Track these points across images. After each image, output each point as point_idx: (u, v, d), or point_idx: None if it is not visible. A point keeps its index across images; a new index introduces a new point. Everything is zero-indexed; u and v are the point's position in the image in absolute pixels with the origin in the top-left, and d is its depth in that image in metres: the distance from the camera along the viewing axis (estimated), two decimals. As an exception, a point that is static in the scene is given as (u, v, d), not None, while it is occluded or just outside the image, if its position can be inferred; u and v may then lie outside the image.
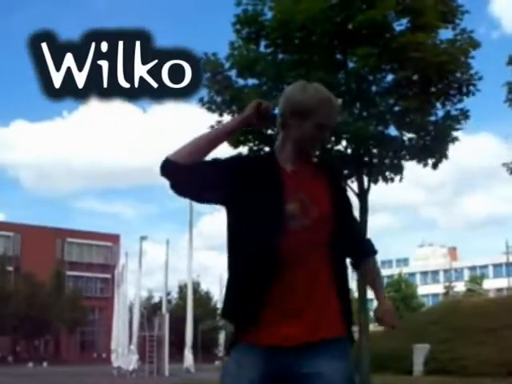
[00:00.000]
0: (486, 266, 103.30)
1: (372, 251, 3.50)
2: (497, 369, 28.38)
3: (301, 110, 3.20)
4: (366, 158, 16.99)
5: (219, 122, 17.46)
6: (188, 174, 3.15)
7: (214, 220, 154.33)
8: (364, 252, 3.49)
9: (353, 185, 17.08)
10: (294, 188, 3.17)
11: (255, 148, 17.38)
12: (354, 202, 16.76)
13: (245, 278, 3.13)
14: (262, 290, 3.07)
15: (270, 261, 3.05)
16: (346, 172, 17.11)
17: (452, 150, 17.59)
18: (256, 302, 3.07)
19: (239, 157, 3.60)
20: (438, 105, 17.56)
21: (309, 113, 3.20)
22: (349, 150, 17.13)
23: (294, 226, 3.10)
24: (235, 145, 17.34)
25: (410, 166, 18.16)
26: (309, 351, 3.07)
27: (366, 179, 16.83)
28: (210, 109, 17.53)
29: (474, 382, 24.93)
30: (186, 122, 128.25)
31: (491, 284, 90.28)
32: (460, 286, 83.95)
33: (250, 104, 3.25)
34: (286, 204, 3.12)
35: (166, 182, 3.16)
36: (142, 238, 43.98)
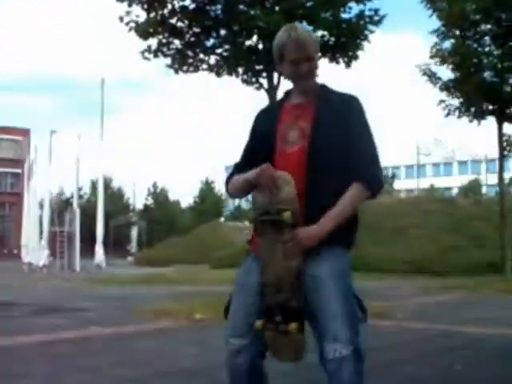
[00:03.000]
0: (398, 167, 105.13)
1: (363, 177, 3.39)
2: (405, 266, 29.23)
3: (277, 54, 3.57)
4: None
5: (128, 12, 16.88)
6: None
7: (128, 116, 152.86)
8: (355, 173, 3.40)
9: (264, 81, 16.80)
10: (293, 117, 3.52)
11: (164, 41, 16.93)
12: (263, 97, 16.55)
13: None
14: None
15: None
16: (257, 67, 16.84)
17: (371, 49, 17.51)
18: None
19: (258, 113, 3.80)
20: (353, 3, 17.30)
21: (282, 54, 3.53)
22: (260, 45, 16.80)
23: (292, 149, 3.45)
24: (145, 36, 16.87)
25: (326, 67, 17.92)
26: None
27: (276, 75, 16.48)
28: (118, -1, 16.87)
29: (382, 277, 25.58)
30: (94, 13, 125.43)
31: (402, 185, 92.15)
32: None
33: (260, 171, 3.36)
34: (280, 131, 3.51)
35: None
36: (52, 132, 43.18)
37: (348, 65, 17.23)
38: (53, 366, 6.99)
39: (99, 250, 41.92)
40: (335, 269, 3.36)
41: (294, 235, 3.27)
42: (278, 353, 3.49)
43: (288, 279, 3.30)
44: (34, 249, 40.70)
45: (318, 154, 3.40)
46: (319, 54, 3.63)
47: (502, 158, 24.36)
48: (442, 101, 24.28)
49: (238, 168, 3.66)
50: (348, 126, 3.44)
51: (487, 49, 23.70)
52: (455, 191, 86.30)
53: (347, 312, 3.31)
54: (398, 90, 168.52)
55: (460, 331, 10.21)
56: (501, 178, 24.57)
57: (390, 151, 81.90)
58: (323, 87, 3.63)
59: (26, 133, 78.82)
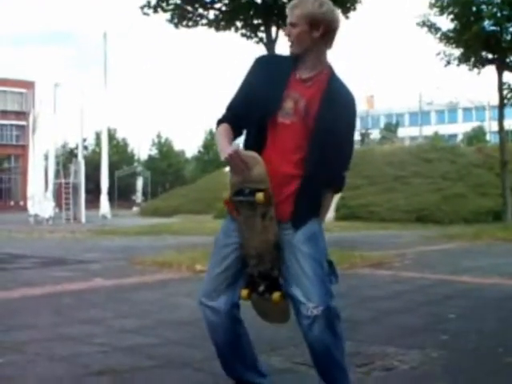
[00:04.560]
0: (402, 114, 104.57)
1: (335, 187, 3.79)
2: (405, 215, 29.29)
3: None
4: (276, 11, 16.47)
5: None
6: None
7: (133, 69, 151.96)
8: (332, 178, 3.73)
9: (263, 35, 16.71)
10: (296, 91, 3.56)
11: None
12: (262, 51, 16.49)
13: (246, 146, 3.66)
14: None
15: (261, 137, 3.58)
16: (255, 22, 16.76)
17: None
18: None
19: (261, 57, 3.85)
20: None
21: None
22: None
23: (284, 120, 3.54)
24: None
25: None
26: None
27: (274, 29, 16.38)
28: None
29: (383, 227, 25.70)
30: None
31: (406, 132, 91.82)
32: (376, 134, 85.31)
33: (227, 150, 3.47)
34: (282, 101, 3.54)
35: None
36: (56, 85, 43.06)
37: (346, 16, 17.17)
38: (56, 317, 7.17)
39: (104, 200, 42.04)
40: (308, 234, 3.58)
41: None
42: (265, 316, 3.82)
43: (267, 251, 3.53)
44: (39, 201, 40.75)
45: (321, 138, 3.54)
46: (318, 26, 3.53)
47: (503, 106, 24.41)
48: (442, 52, 24.36)
49: (231, 111, 3.72)
50: (345, 126, 3.67)
51: (487, -3, 23.57)
52: (460, 138, 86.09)
53: (319, 274, 3.53)
54: (404, 39, 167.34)
55: (457, 280, 10.30)
56: (501, 126, 24.59)
57: (395, 98, 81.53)
58: (331, 69, 3.68)
59: (30, 85, 78.58)
